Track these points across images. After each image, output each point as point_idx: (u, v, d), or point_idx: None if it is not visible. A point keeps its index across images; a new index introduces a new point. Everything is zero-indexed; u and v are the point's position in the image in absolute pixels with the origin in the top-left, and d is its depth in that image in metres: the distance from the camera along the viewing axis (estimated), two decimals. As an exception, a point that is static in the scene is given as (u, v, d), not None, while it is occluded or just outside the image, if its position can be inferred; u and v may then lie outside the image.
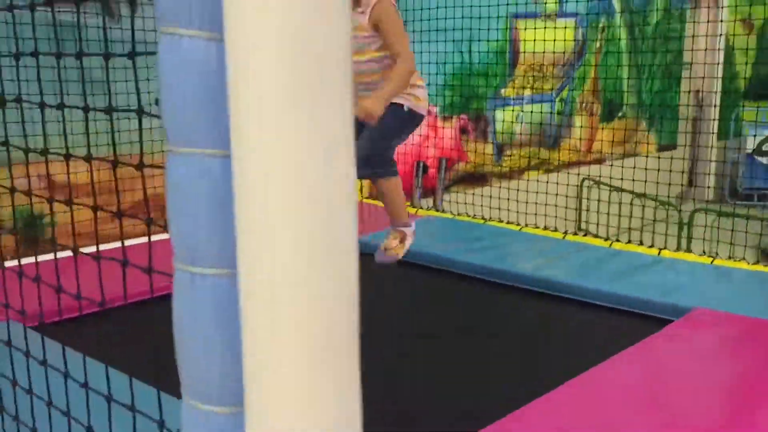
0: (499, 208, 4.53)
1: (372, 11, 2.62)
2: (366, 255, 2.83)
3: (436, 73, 4.92)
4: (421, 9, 4.66)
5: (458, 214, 4.34)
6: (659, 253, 3.56)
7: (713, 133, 7.94)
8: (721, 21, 7.91)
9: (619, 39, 6.64)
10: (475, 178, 5.41)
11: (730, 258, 3.70)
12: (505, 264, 3.29)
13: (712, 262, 3.40)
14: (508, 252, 3.56)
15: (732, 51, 8.13)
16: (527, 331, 2.76)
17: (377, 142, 2.72)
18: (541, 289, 3.08)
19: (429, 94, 4.98)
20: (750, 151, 8.02)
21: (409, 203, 4.57)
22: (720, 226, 4.69)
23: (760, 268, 3.37)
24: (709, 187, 8.03)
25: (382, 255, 2.84)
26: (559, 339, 2.67)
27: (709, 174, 7.84)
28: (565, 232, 3.96)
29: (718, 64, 7.56)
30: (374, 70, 2.69)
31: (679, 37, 7.20)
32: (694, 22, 7.46)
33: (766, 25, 8.54)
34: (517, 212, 4.39)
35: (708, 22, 7.61)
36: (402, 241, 2.84)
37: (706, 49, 7.35)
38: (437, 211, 4.63)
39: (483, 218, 4.27)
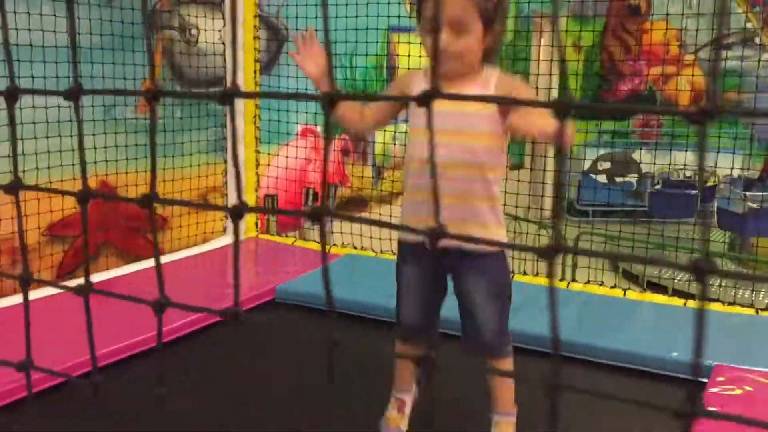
0: (380, 238, 4.20)
1: (499, 86, 2.08)
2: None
3: (317, 90, 4.47)
4: (298, 18, 4.18)
5: (350, 246, 3.91)
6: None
7: (546, 156, 8.24)
8: (558, 46, 8.19)
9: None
10: (356, 204, 5.01)
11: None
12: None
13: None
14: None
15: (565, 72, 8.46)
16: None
17: (504, 313, 2.16)
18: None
19: (312, 113, 4.57)
20: (585, 169, 8.37)
21: (294, 238, 4.07)
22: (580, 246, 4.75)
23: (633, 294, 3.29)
24: (544, 209, 8.29)
25: None
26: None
27: (543, 196, 8.10)
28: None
29: (550, 88, 7.81)
30: (473, 167, 2.06)
31: (526, 58, 7.33)
32: (536, 45, 7.64)
33: (593, 49, 9.05)
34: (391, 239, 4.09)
35: (542, 46, 7.89)
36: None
37: (538, 74, 7.63)
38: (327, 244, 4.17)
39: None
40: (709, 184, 6.91)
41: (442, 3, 1.98)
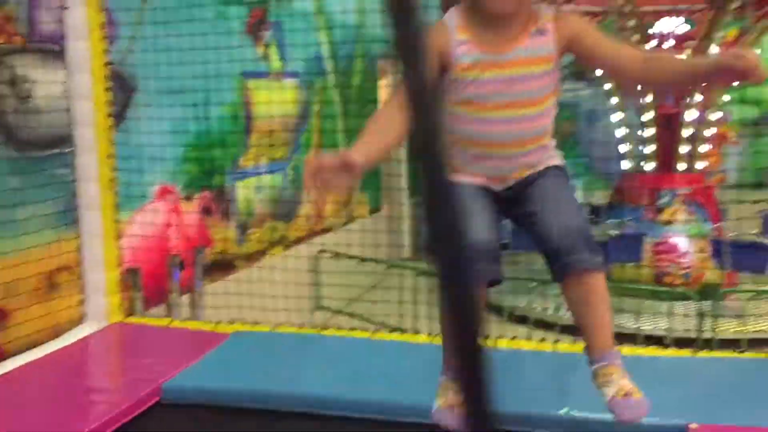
0: (275, 309, 3.82)
1: (559, 26, 1.77)
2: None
3: (173, 145, 4.01)
4: (146, 66, 3.72)
5: (239, 321, 3.46)
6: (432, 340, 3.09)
7: (404, 190, 8.18)
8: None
9: (333, 102, 6.35)
10: (222, 266, 4.54)
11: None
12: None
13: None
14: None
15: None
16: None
17: (582, 212, 1.89)
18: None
19: (168, 171, 4.07)
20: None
21: (169, 319, 3.56)
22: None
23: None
24: (405, 247, 8.18)
25: (627, 405, 1.77)
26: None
27: (403, 232, 8.00)
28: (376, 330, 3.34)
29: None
30: (533, 137, 1.82)
31: (374, 101, 7.22)
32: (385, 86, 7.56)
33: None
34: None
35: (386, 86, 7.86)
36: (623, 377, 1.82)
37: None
38: (196, 320, 3.70)
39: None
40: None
41: None
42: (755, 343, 4.17)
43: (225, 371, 2.75)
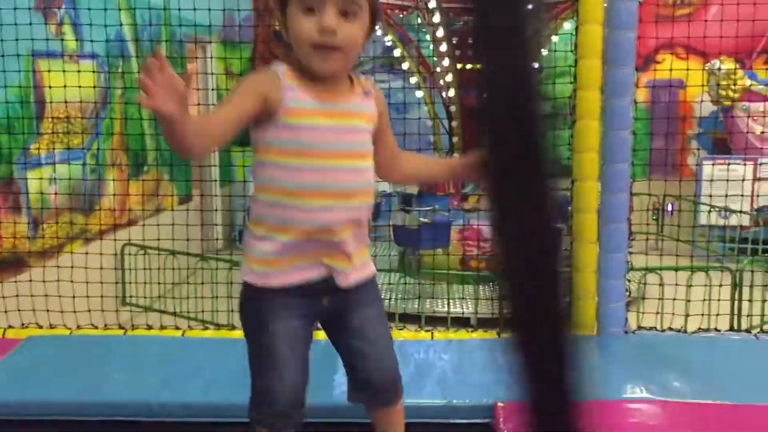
0: (75, 310, 3.54)
1: (378, 96, 1.78)
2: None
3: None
4: None
5: (33, 325, 3.16)
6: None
7: (216, 180, 7.96)
8: (212, 73, 7.96)
9: (137, 87, 5.99)
10: (11, 265, 4.13)
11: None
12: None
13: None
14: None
15: (221, 99, 8.23)
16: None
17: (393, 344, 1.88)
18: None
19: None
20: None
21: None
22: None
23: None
24: (217, 239, 7.97)
25: None
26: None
27: (215, 225, 7.79)
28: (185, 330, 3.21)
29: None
30: (361, 190, 1.74)
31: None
32: (193, 73, 7.27)
33: (243, 75, 8.97)
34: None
35: (197, 73, 7.58)
36: None
37: (198, 105, 7.31)
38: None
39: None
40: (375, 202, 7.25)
41: None
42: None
43: (18, 381, 2.50)
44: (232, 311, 4.61)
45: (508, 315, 0.71)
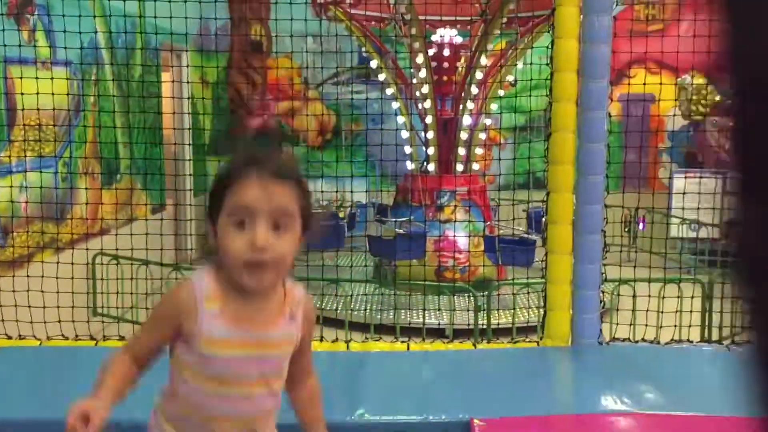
0: (45, 321, 3.48)
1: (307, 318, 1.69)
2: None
3: None
4: None
5: (2, 335, 3.10)
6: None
7: (191, 189, 7.90)
8: (187, 82, 7.91)
9: (112, 94, 5.93)
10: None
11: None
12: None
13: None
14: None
15: (196, 108, 8.18)
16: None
17: None
18: None
19: None
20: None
21: None
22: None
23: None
24: (191, 249, 7.90)
25: None
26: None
27: (188, 235, 7.72)
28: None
29: (187, 129, 7.51)
30: (274, 408, 1.70)
31: (159, 96, 6.88)
32: (167, 81, 7.22)
33: (219, 85, 8.93)
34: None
35: (173, 82, 7.53)
36: None
37: (174, 113, 7.26)
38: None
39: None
40: (350, 213, 7.25)
41: (259, 187, 1.50)
42: (523, 331, 4.55)
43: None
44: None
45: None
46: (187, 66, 7.96)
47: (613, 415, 2.41)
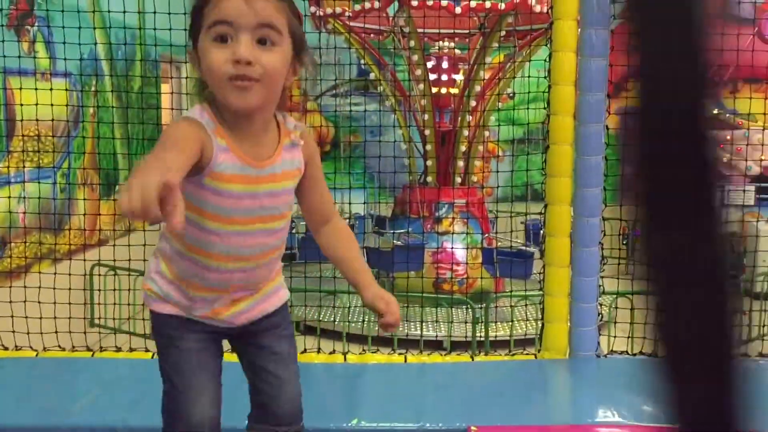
0: (42, 332, 3.47)
1: (306, 143, 1.66)
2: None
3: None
4: None
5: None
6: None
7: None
8: (187, 93, 7.93)
9: (111, 105, 5.94)
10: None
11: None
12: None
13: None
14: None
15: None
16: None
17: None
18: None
19: None
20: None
21: None
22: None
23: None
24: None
25: None
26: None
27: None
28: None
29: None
30: (275, 247, 1.70)
31: (158, 107, 6.89)
32: (166, 93, 7.24)
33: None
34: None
35: (172, 93, 7.55)
36: None
37: (165, 123, 7.27)
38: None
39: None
40: (348, 224, 7.24)
41: (228, 2, 1.42)
42: (521, 343, 4.54)
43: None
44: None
45: (667, 334, 0.64)
46: (186, 78, 7.99)
47: (611, 427, 2.41)
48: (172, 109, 7.09)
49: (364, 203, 7.82)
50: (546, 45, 3.32)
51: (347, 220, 7.83)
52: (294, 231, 8.05)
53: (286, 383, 1.76)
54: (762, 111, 6.92)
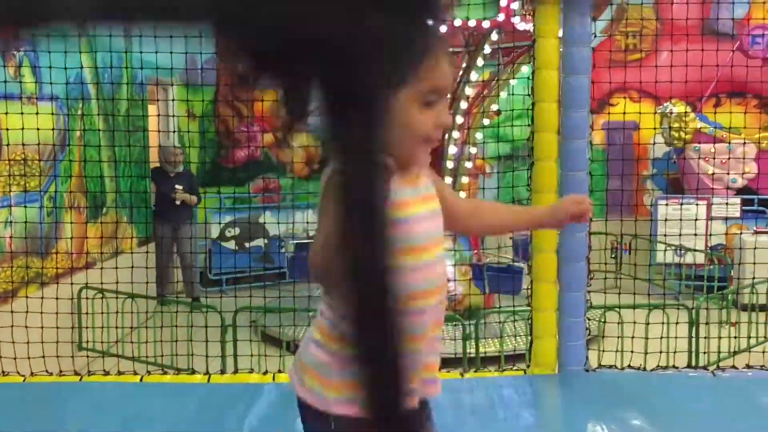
0: (30, 356, 3.45)
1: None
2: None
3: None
4: None
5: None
6: (208, 380, 2.93)
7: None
8: (173, 115, 7.94)
9: (98, 128, 5.94)
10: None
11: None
12: None
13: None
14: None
15: (183, 141, 8.19)
16: None
17: None
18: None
19: None
20: (215, 237, 8.17)
21: None
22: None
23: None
24: (177, 281, 7.87)
25: None
26: None
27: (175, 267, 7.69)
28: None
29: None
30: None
31: (144, 129, 6.90)
32: (153, 115, 7.25)
33: (206, 118, 8.94)
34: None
35: (159, 115, 7.56)
36: None
37: (160, 146, 7.30)
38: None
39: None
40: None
41: (443, 70, 1.46)
42: (512, 359, 4.55)
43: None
44: (192, 355, 4.54)
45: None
46: (173, 100, 8.01)
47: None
48: (159, 131, 7.09)
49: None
50: (529, 62, 3.36)
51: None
52: (283, 250, 8.06)
53: None
54: (743, 124, 7.03)
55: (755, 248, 5.32)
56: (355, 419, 1.34)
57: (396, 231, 1.45)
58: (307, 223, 7.15)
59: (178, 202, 7.09)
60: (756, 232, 6.98)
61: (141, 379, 2.98)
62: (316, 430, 1.45)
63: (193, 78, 8.03)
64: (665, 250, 7.26)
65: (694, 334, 4.73)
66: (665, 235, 7.11)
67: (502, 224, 1.78)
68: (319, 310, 1.49)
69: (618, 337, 4.23)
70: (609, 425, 2.50)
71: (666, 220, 6.77)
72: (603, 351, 3.99)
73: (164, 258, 7.21)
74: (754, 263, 5.22)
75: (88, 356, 5.10)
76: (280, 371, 3.09)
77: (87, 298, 5.33)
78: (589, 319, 3.32)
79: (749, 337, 5.23)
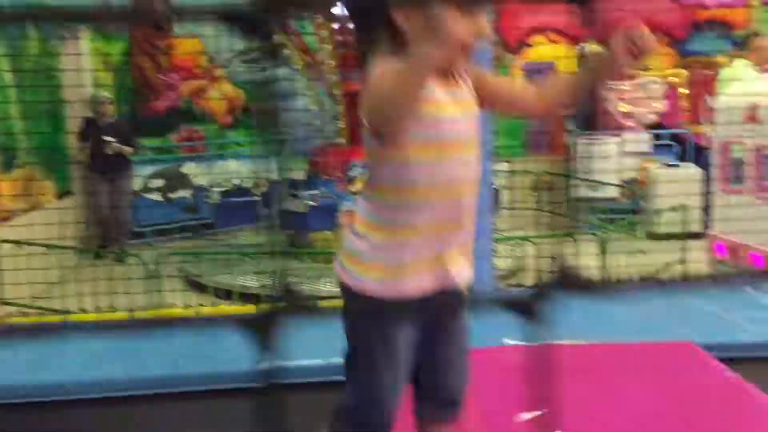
0: None
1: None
2: None
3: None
4: None
5: None
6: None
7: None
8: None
9: (2, 71, 5.67)
10: None
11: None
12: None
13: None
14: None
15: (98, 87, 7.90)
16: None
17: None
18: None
19: None
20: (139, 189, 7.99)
21: None
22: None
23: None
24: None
25: None
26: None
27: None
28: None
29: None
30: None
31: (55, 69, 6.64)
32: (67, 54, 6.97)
33: (123, 67, 8.65)
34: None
35: (75, 54, 7.23)
36: None
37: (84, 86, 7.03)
38: None
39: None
40: (264, 190, 7.26)
41: None
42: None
43: None
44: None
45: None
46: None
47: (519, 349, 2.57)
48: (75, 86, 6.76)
49: (279, 168, 7.82)
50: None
51: (263, 187, 7.82)
52: (208, 200, 7.99)
53: (456, 379, 1.72)
54: (655, 61, 7.28)
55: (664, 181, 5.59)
56: (382, 299, 1.56)
57: (428, 127, 1.55)
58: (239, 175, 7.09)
59: (110, 152, 6.83)
60: (665, 165, 7.28)
61: (64, 321, 2.98)
62: (353, 308, 1.62)
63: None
64: (583, 186, 7.52)
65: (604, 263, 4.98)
66: (583, 173, 7.35)
67: (567, 88, 1.74)
68: (359, 205, 1.65)
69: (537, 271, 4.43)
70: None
71: (584, 157, 7.01)
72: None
73: (103, 211, 6.96)
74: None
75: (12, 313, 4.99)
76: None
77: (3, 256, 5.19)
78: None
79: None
